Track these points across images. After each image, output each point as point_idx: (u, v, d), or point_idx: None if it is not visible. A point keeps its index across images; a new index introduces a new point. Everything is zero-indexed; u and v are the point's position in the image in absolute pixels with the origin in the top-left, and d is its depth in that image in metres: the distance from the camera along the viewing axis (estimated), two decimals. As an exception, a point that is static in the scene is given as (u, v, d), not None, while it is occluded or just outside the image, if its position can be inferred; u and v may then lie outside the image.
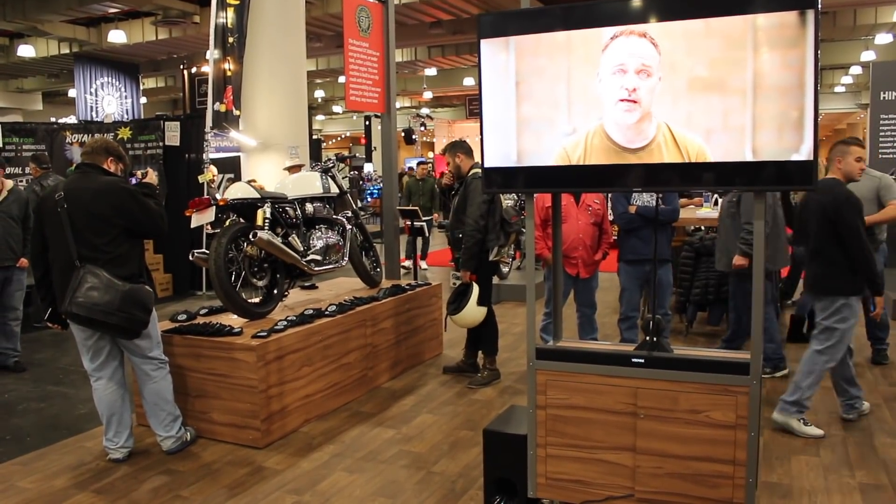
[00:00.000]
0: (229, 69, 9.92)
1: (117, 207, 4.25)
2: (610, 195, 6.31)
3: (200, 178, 9.80)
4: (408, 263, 9.20)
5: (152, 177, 4.85)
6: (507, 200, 10.40)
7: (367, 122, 27.21)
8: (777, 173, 2.86)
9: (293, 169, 8.27)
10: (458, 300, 5.71)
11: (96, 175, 4.35)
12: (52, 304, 4.48)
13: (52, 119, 23.20)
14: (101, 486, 4.18)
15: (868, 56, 19.54)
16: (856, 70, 24.07)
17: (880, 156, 10.15)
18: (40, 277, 4.46)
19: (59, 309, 4.32)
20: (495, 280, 9.43)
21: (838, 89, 28.77)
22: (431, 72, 25.24)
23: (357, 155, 28.28)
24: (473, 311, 5.67)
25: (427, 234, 9.48)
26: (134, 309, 4.21)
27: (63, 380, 6.36)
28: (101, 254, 4.21)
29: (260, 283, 5.38)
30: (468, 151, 5.99)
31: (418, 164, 13.53)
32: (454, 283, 5.87)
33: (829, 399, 5.40)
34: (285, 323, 5.03)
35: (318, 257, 5.73)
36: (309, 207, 5.93)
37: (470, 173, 5.85)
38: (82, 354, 4.48)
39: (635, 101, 3.00)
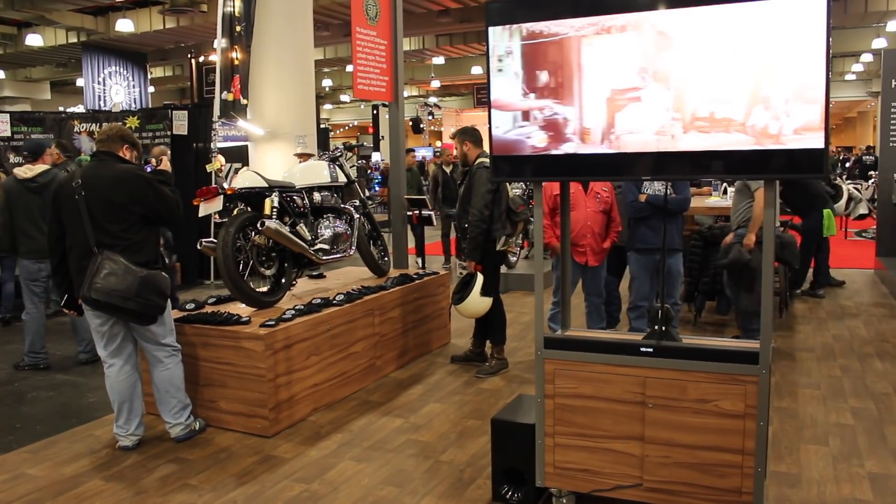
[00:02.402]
0: (237, 58, 9.90)
1: (134, 195, 4.30)
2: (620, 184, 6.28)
3: (208, 167, 9.82)
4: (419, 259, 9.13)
5: (167, 164, 4.88)
6: (515, 189, 10.41)
7: (375, 111, 27.17)
8: (787, 161, 2.84)
9: (303, 157, 8.27)
10: (463, 290, 5.70)
11: (113, 163, 4.39)
12: (69, 290, 4.51)
13: (61, 108, 23.24)
14: (111, 474, 4.20)
15: (879, 43, 19.38)
16: (867, 58, 23.88)
17: (891, 143, 10.07)
18: (57, 264, 4.51)
19: (77, 294, 4.35)
20: (503, 269, 9.44)
21: (849, 77, 28.59)
22: (439, 60, 25.16)
23: (365, 144, 28.28)
24: (477, 302, 5.64)
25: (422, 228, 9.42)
26: (151, 294, 4.27)
27: (72, 368, 6.39)
28: (118, 240, 4.26)
29: (268, 273, 5.38)
30: (477, 140, 5.93)
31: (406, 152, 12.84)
32: (461, 273, 5.85)
33: (836, 391, 5.39)
34: (293, 312, 5.04)
35: (326, 246, 5.72)
36: (317, 196, 5.92)
37: (476, 162, 5.82)
38: (96, 341, 4.51)
39: (644, 91, 2.98)
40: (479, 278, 5.62)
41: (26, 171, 6.25)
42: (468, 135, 5.94)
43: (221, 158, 9.90)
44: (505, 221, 5.80)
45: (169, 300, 4.49)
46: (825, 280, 8.72)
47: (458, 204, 6.00)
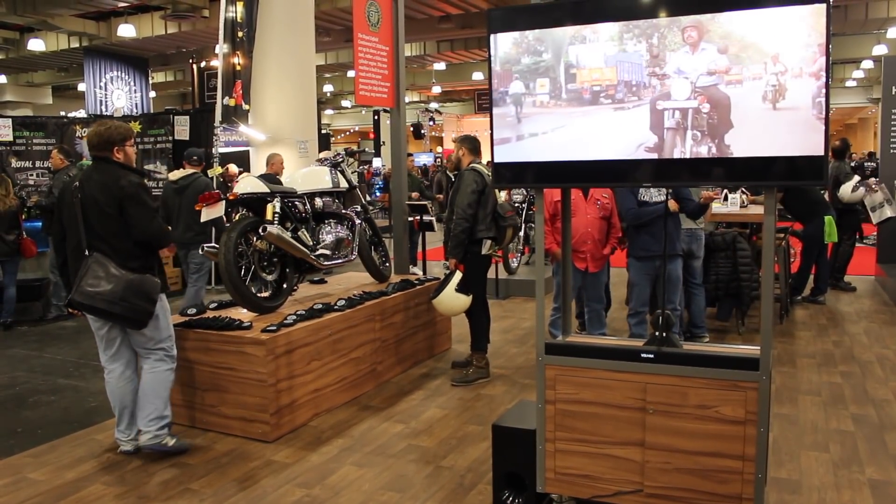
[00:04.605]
0: (238, 63, 9.93)
1: (121, 205, 4.21)
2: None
3: (210, 173, 9.83)
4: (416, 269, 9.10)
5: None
6: (516, 195, 10.43)
7: (376, 117, 27.23)
8: (788, 168, 2.85)
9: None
10: (442, 287, 5.72)
11: (108, 167, 4.33)
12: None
13: (62, 113, 23.29)
14: (112, 479, 4.21)
15: (880, 50, 19.41)
16: (867, 64, 23.93)
17: (892, 150, 10.08)
18: (61, 265, 4.51)
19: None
20: (504, 275, 9.45)
21: (850, 83, 28.63)
22: (440, 66, 25.22)
23: (366, 149, 28.30)
24: (451, 298, 5.65)
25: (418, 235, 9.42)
26: (137, 299, 4.20)
27: (73, 373, 6.40)
28: (109, 245, 4.24)
29: (269, 278, 5.40)
30: (473, 149, 6.00)
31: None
32: (446, 273, 5.86)
33: (836, 397, 5.39)
34: (294, 317, 5.05)
35: (328, 252, 5.74)
36: (318, 202, 5.94)
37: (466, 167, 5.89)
38: (98, 345, 4.50)
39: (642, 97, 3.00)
40: (457, 275, 5.64)
41: (175, 175, 7.62)
42: (467, 142, 6.04)
43: (233, 167, 9.91)
44: (490, 224, 5.82)
45: (157, 304, 4.34)
46: (825, 286, 8.72)
47: (447, 206, 6.06)
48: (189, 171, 7.56)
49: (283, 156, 9.99)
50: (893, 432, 4.67)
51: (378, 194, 23.03)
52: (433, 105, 32.74)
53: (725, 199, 8.46)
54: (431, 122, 31.24)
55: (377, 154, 27.86)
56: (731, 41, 2.84)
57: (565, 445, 3.41)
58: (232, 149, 11.28)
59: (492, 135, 3.33)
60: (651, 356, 3.23)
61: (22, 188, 9.93)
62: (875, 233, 10.67)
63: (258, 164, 10.33)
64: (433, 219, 8.47)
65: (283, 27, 10.14)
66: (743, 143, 2.88)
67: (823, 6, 2.68)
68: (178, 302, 8.18)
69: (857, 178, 9.07)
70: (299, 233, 5.58)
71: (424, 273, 7.99)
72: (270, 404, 4.68)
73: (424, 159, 29.63)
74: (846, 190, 8.90)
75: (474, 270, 5.80)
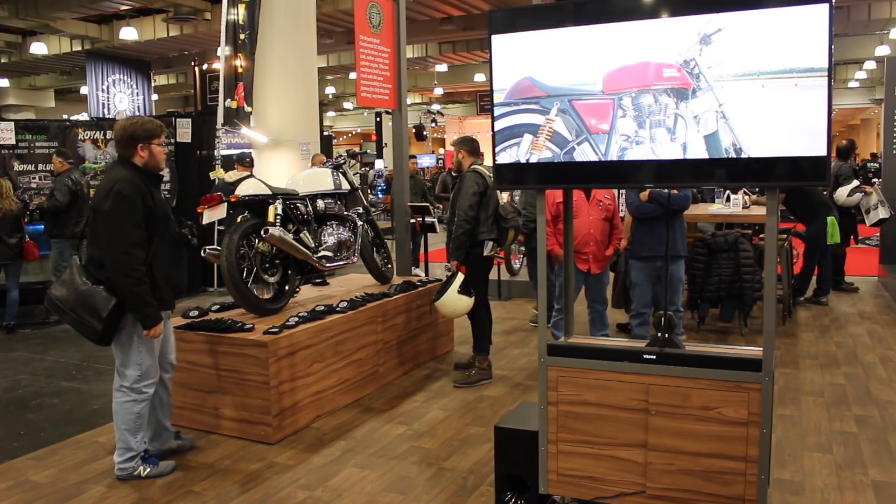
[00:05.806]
0: (241, 66, 9.92)
1: (95, 209, 4.00)
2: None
3: (212, 175, 9.84)
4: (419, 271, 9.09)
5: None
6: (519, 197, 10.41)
7: (378, 119, 27.22)
8: (791, 169, 2.85)
9: None
10: (444, 289, 5.72)
11: (120, 168, 4.08)
12: None
13: (65, 116, 23.29)
14: (115, 481, 4.20)
15: (882, 51, 19.35)
16: (870, 65, 23.86)
17: (894, 151, 10.08)
18: None
19: None
20: (506, 276, 9.45)
21: (852, 84, 28.57)
22: (442, 68, 25.19)
23: (368, 151, 28.29)
24: (454, 300, 5.65)
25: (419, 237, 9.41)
26: (84, 312, 3.94)
27: (76, 375, 6.40)
28: (89, 249, 4.10)
29: (271, 280, 5.39)
30: (473, 151, 6.01)
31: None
32: (447, 274, 5.86)
33: (839, 399, 5.38)
34: (297, 319, 5.05)
35: (330, 254, 5.74)
36: (320, 204, 5.94)
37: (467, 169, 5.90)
38: None
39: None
40: (459, 277, 5.64)
41: (231, 176, 8.25)
42: (465, 144, 6.05)
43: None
44: (492, 226, 5.82)
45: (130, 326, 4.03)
46: (828, 287, 8.71)
47: (449, 208, 6.07)
48: (243, 172, 8.25)
49: (284, 158, 9.99)
50: (897, 433, 4.67)
51: (380, 196, 23.02)
52: (435, 107, 32.74)
53: (728, 199, 8.45)
54: (433, 124, 31.23)
55: (379, 156, 27.84)
56: (731, 38, 2.83)
57: (568, 447, 3.41)
58: (234, 151, 11.25)
59: (493, 136, 3.33)
60: (653, 357, 3.23)
61: (25, 191, 9.95)
62: (878, 234, 10.67)
63: (261, 167, 10.33)
64: (435, 220, 8.47)
65: (284, 29, 10.13)
66: (743, 139, 2.88)
67: (826, 6, 2.68)
68: (183, 304, 8.17)
69: (855, 182, 9.08)
70: (301, 235, 5.58)
71: (426, 275, 8.00)
72: (273, 406, 4.68)
73: (427, 161, 29.65)
74: (842, 193, 8.93)
75: (476, 272, 5.80)
